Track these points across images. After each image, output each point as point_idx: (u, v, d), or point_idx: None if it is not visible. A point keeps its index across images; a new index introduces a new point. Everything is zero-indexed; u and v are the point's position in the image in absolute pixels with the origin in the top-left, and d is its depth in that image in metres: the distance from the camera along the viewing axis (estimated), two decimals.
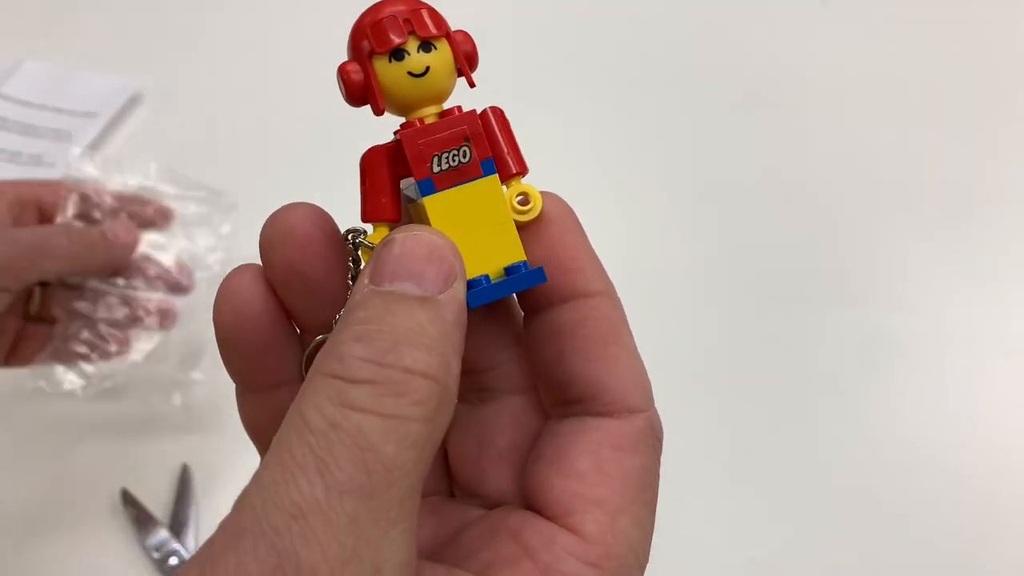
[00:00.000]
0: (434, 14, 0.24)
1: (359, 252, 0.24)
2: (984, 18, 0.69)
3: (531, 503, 0.23)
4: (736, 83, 0.65)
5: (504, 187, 0.24)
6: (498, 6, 0.67)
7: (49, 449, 0.48)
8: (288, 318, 0.24)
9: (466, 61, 0.24)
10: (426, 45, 0.24)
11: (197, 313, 0.49)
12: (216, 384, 0.50)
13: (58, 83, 0.66)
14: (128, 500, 0.44)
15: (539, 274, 0.24)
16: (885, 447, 0.46)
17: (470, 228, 0.24)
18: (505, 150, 0.25)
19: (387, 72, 0.24)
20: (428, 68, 0.23)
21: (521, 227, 0.24)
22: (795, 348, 0.51)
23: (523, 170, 0.25)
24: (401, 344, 0.19)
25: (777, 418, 0.48)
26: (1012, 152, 0.60)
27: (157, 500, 0.45)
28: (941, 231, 0.56)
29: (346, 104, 0.24)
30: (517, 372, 0.26)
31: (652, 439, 0.24)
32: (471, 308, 0.22)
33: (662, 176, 0.60)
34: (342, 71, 0.24)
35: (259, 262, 0.24)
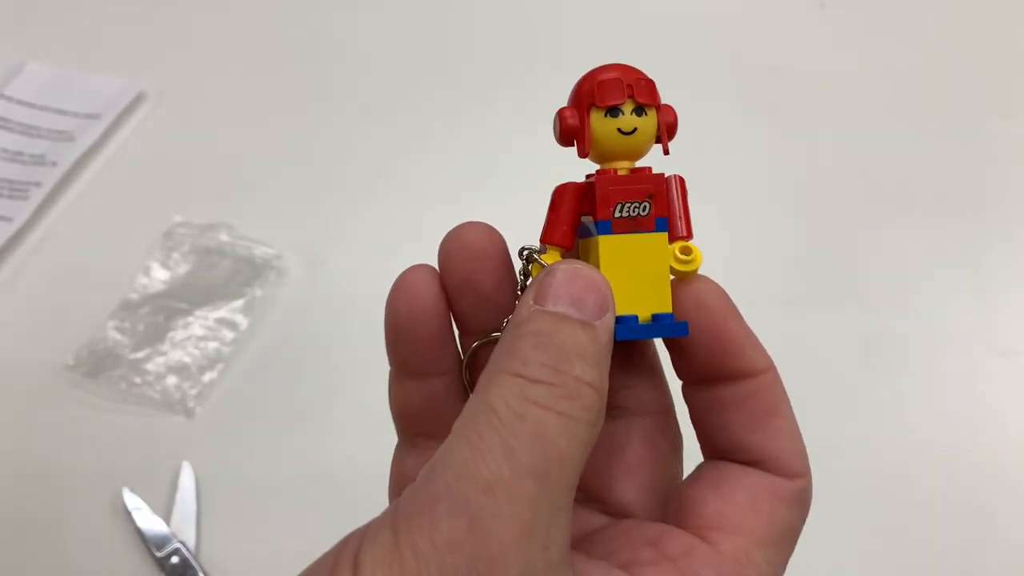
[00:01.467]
0: (652, 86, 0.28)
1: (530, 267, 0.27)
2: (984, 18, 0.69)
3: (678, 514, 0.25)
4: (735, 83, 0.66)
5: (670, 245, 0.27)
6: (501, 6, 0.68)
7: (49, 448, 0.48)
8: (451, 318, 0.27)
9: (667, 130, 0.28)
10: (639, 109, 0.27)
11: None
12: (218, 384, 0.51)
13: (61, 84, 0.66)
14: (129, 498, 0.45)
15: (683, 328, 0.26)
16: (885, 447, 0.46)
17: (631, 272, 0.26)
18: (679, 214, 0.28)
19: (601, 124, 0.27)
20: (636, 129, 0.27)
21: (678, 279, 0.27)
22: (795, 348, 0.51)
23: (689, 235, 0.28)
24: (572, 355, 0.22)
25: None
26: (1012, 152, 0.60)
27: (158, 498, 0.45)
28: (941, 231, 0.56)
29: (556, 143, 0.28)
30: (649, 396, 0.28)
31: (805, 502, 0.26)
32: (617, 340, 0.24)
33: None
34: (561, 114, 0.27)
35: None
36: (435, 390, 0.27)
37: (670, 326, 0.26)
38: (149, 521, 0.44)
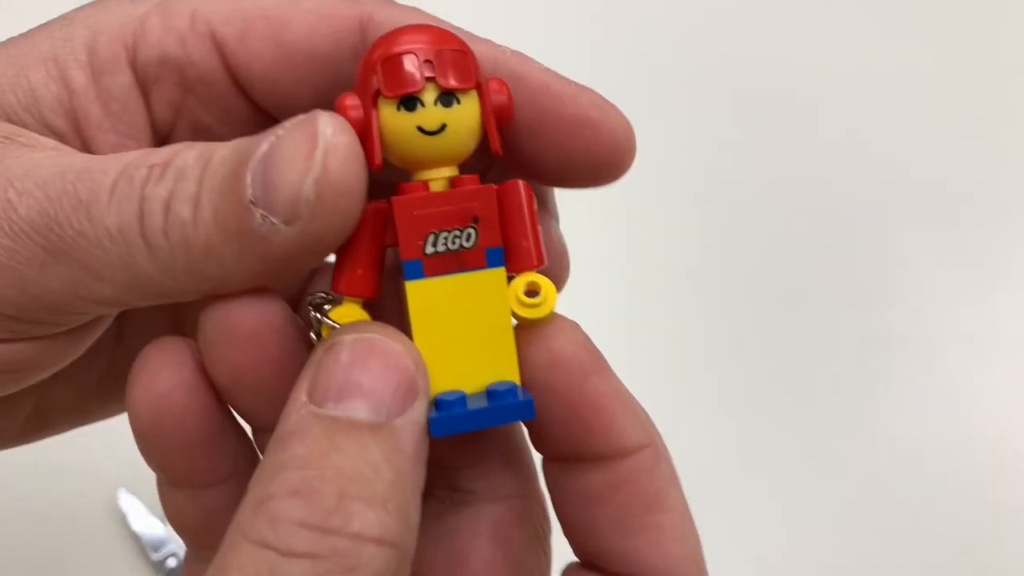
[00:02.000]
0: (465, 58, 0.20)
1: (318, 327, 0.20)
2: (987, 17, 0.69)
3: None
4: (735, 81, 0.65)
5: (510, 279, 0.20)
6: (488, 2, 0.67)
7: (47, 448, 0.48)
8: (225, 413, 0.21)
9: (497, 117, 0.20)
10: (447, 97, 0.19)
11: None
12: None
13: None
14: (125, 500, 0.44)
15: (527, 408, 0.19)
16: (887, 448, 0.46)
17: (457, 329, 0.20)
18: (523, 237, 0.20)
19: (393, 121, 0.19)
20: (444, 126, 0.19)
21: (526, 328, 0.20)
22: (796, 348, 0.51)
23: (539, 263, 0.20)
24: (349, 498, 0.16)
25: (777, 419, 0.48)
26: (1014, 151, 0.60)
27: (155, 500, 0.44)
28: (943, 231, 0.56)
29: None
30: (503, 475, 0.22)
31: None
32: (433, 436, 0.18)
33: (660, 174, 0.60)
34: (339, 106, 0.20)
35: None
36: (213, 502, 0.21)
37: (511, 407, 0.19)
38: (145, 524, 0.43)
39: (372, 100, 0.19)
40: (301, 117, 0.19)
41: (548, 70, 0.22)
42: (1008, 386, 0.48)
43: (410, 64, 0.19)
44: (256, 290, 0.20)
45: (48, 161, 0.20)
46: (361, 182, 0.19)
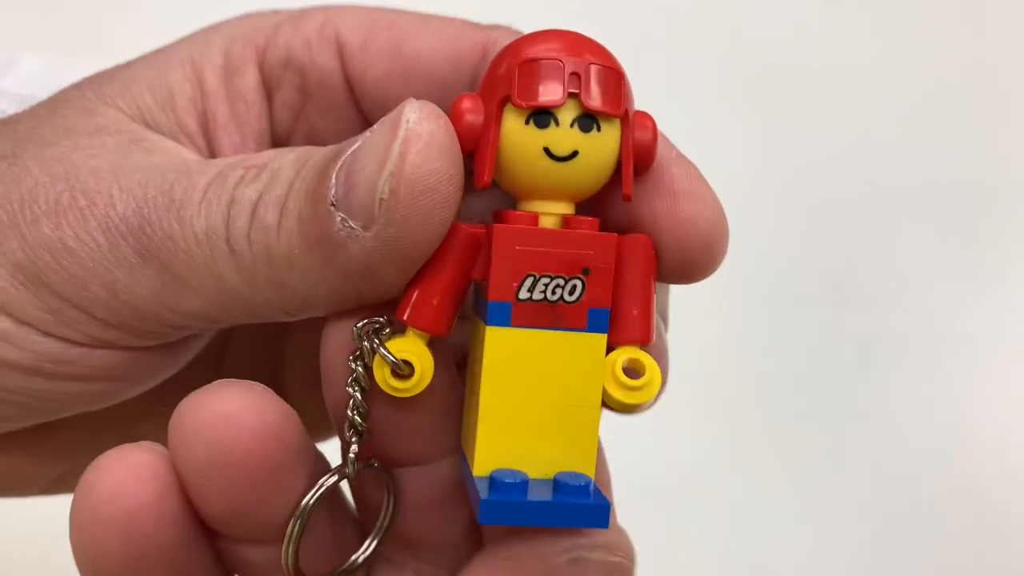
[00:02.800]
0: (618, 79, 0.17)
1: (369, 358, 0.17)
2: (991, 16, 0.69)
3: None
4: (735, 79, 0.65)
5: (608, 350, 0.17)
6: None
7: None
8: (198, 521, 0.19)
9: (637, 157, 0.17)
10: (586, 121, 0.16)
11: None
12: None
13: (55, 79, 0.65)
14: None
15: (601, 514, 0.16)
16: (888, 449, 0.46)
17: (534, 396, 0.16)
18: (634, 304, 0.17)
19: (517, 136, 0.16)
20: (576, 153, 0.16)
21: (619, 413, 0.17)
22: (797, 348, 0.50)
23: (646, 339, 0.17)
24: None
25: (778, 420, 0.48)
26: (1017, 151, 0.60)
27: None
28: (945, 230, 0.55)
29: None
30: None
31: None
32: (480, 523, 0.16)
33: None
34: (454, 108, 0.17)
35: None
36: None
37: (581, 509, 0.16)
38: None
39: (498, 106, 0.17)
40: (393, 111, 0.17)
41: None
42: (1010, 386, 0.48)
43: (553, 73, 0.16)
44: (252, 392, 0.18)
45: (159, 161, 0.20)
46: (448, 180, 0.16)
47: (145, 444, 0.18)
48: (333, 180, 0.17)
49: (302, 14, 0.23)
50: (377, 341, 0.17)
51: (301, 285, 0.18)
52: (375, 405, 0.18)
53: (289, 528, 0.19)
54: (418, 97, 0.18)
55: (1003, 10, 0.69)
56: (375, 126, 0.17)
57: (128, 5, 0.73)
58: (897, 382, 0.49)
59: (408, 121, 0.16)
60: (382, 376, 0.17)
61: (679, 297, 0.53)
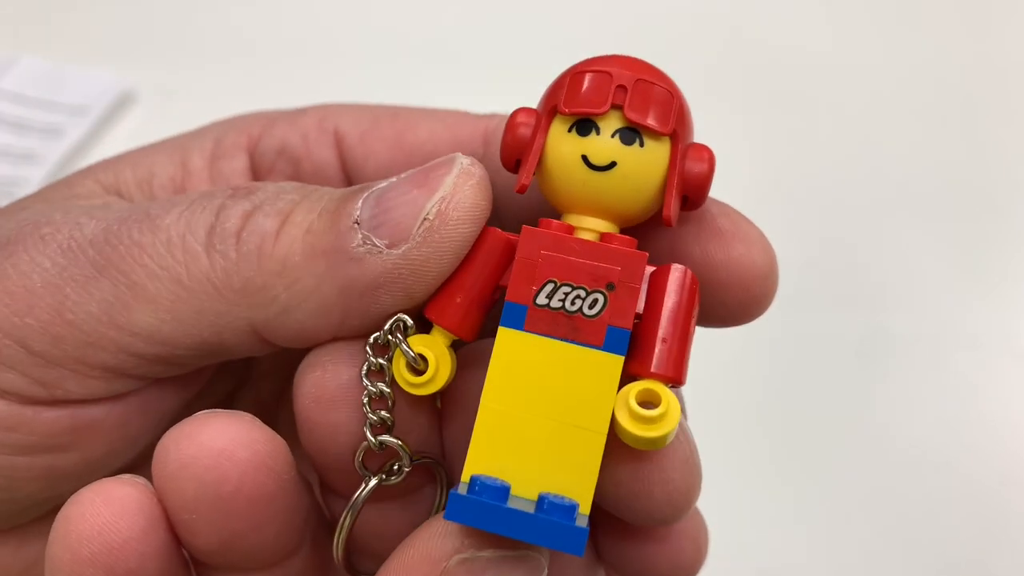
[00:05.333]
0: (668, 98, 0.17)
1: (391, 353, 0.18)
2: (993, 15, 0.69)
3: None
4: (736, 79, 0.65)
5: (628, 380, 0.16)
6: None
7: None
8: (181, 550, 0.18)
9: (687, 188, 0.17)
10: (629, 133, 0.16)
11: None
12: None
13: (54, 79, 0.65)
14: None
15: (577, 538, 0.14)
16: (890, 452, 0.46)
17: (537, 408, 0.15)
18: (662, 336, 0.16)
19: (559, 143, 0.16)
20: (614, 164, 0.16)
21: (629, 446, 0.16)
22: (799, 349, 0.50)
23: (676, 379, 0.17)
24: None
25: (778, 420, 0.47)
26: (1020, 151, 0.59)
27: None
28: (947, 229, 0.55)
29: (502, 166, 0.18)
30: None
31: None
32: (445, 518, 0.15)
33: None
34: (511, 118, 0.17)
35: None
36: None
37: (556, 528, 0.14)
38: None
39: (547, 116, 0.17)
40: (438, 159, 0.18)
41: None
42: (1015, 388, 0.48)
43: (600, 84, 0.16)
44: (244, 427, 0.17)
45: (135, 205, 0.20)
46: (482, 221, 0.18)
47: (127, 477, 0.18)
48: (359, 204, 0.18)
49: (301, 110, 0.23)
50: (400, 336, 0.17)
51: (285, 293, 0.18)
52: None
53: (340, 521, 0.19)
54: None
55: (1005, 10, 0.69)
56: (405, 173, 0.18)
57: (128, 5, 0.72)
58: (900, 383, 0.49)
59: (462, 164, 0.17)
60: (398, 369, 0.18)
61: None
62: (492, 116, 0.23)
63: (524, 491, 0.15)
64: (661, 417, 0.16)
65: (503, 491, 0.15)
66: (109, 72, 0.65)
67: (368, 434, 0.18)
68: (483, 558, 0.16)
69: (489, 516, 0.15)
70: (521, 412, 0.16)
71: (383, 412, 0.18)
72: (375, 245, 0.17)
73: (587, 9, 0.70)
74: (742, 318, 0.20)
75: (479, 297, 0.17)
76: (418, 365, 0.17)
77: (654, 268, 0.17)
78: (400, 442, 0.18)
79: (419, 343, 0.17)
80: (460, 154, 0.18)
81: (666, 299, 0.16)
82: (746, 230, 0.20)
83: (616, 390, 0.16)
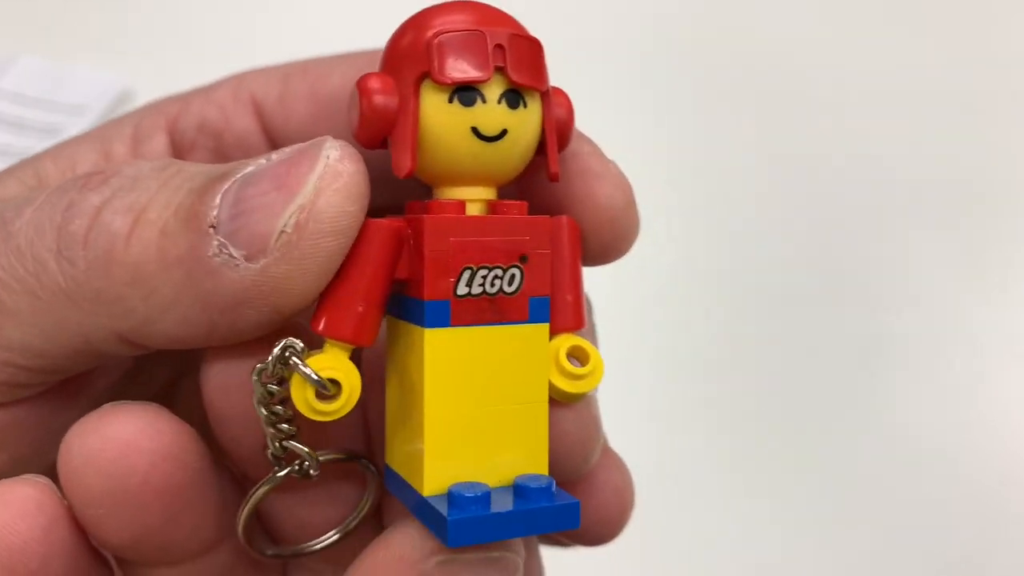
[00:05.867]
0: (539, 51, 0.16)
1: (287, 378, 0.16)
2: (994, 15, 0.69)
3: None
4: (737, 79, 0.65)
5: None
6: None
7: None
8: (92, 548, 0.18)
9: (560, 138, 0.16)
10: (514, 96, 0.15)
11: None
12: None
13: (53, 79, 0.65)
14: None
15: (571, 514, 0.15)
16: (891, 452, 0.46)
17: (481, 398, 0.15)
18: (566, 289, 0.16)
19: (440, 116, 0.15)
20: (504, 132, 0.15)
21: (560, 405, 0.16)
22: (800, 348, 0.50)
23: (579, 325, 0.17)
24: None
25: (779, 421, 0.47)
26: (1019, 149, 0.59)
27: None
28: (950, 230, 0.55)
29: (353, 137, 0.16)
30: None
31: None
32: (451, 547, 0.15)
33: (659, 172, 0.59)
34: (363, 87, 0.15)
35: None
36: None
37: (549, 512, 0.15)
38: None
39: (414, 85, 0.15)
40: (306, 143, 0.16)
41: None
42: (1015, 387, 0.48)
43: (476, 45, 0.15)
44: (145, 413, 0.16)
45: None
46: (355, 227, 0.15)
47: (27, 477, 0.17)
48: (218, 200, 0.15)
49: (216, 84, 0.22)
50: (295, 360, 0.16)
51: (142, 306, 0.16)
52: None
53: (245, 500, 0.18)
54: (339, 130, 0.18)
55: (1004, 9, 0.69)
56: (276, 153, 0.16)
57: (128, 5, 0.72)
58: (899, 382, 0.49)
59: (328, 157, 0.15)
60: (303, 399, 0.16)
61: (681, 297, 0.53)
62: None
63: (496, 483, 0.15)
64: (588, 374, 0.16)
65: (485, 498, 0.15)
66: (108, 72, 0.65)
67: (270, 443, 0.17)
68: (461, 560, 0.16)
69: (487, 529, 0.14)
70: (466, 408, 0.15)
71: (284, 426, 0.17)
72: (232, 256, 0.15)
73: None
74: (612, 255, 0.19)
75: (377, 300, 0.16)
76: (329, 391, 0.16)
77: (548, 221, 0.16)
78: (307, 449, 0.17)
79: (322, 365, 0.15)
80: (330, 140, 0.16)
81: (559, 254, 0.16)
82: (603, 168, 0.19)
83: (547, 356, 0.16)
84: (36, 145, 0.60)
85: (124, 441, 0.16)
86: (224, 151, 0.22)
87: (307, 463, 0.17)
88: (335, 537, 0.19)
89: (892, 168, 0.59)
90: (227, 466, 0.19)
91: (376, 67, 0.17)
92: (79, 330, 0.17)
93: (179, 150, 0.22)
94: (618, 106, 0.64)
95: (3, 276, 0.16)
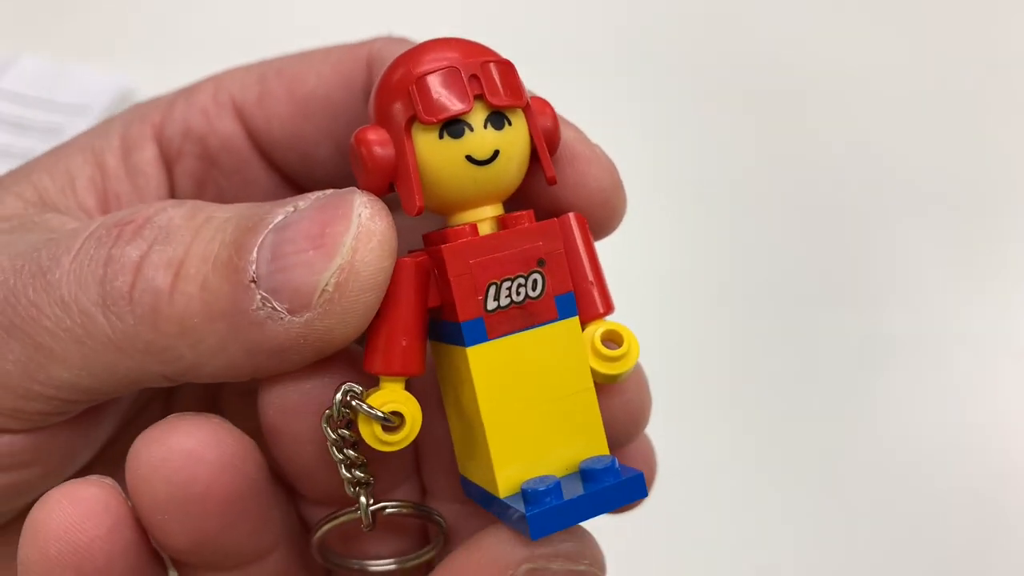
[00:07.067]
0: (512, 71, 0.17)
1: (353, 418, 0.17)
2: (993, 15, 0.69)
3: None
4: (737, 80, 0.65)
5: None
6: None
7: None
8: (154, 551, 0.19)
9: (549, 144, 0.17)
10: (497, 118, 0.16)
11: None
12: None
13: (54, 78, 0.65)
14: None
15: (638, 485, 0.16)
16: (892, 452, 0.46)
17: (532, 397, 0.16)
18: (589, 279, 0.17)
19: (435, 153, 0.16)
20: (497, 153, 0.16)
21: (605, 389, 0.17)
22: (799, 348, 0.50)
23: (609, 310, 0.18)
24: None
25: (779, 421, 0.47)
26: (1018, 149, 0.59)
27: None
28: (947, 229, 0.55)
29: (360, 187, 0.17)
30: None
31: None
32: (534, 539, 0.16)
33: (659, 174, 0.59)
34: (361, 142, 0.17)
35: None
36: None
37: (618, 488, 0.16)
38: None
39: (405, 130, 0.16)
40: (331, 192, 0.17)
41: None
42: (1014, 387, 0.48)
43: (452, 81, 0.16)
44: (210, 427, 0.17)
45: (36, 237, 0.19)
46: (390, 275, 0.16)
47: (93, 478, 0.18)
48: (254, 254, 0.16)
49: (194, 87, 0.23)
50: (357, 401, 0.17)
51: (190, 353, 0.17)
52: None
53: (317, 524, 0.19)
54: (321, 129, 0.20)
55: (1004, 9, 0.69)
56: (305, 204, 0.17)
57: (128, 5, 0.72)
58: (899, 382, 0.49)
59: (360, 216, 0.16)
60: (371, 434, 0.17)
61: (682, 297, 0.53)
62: (373, 39, 0.22)
63: (562, 470, 0.16)
64: (625, 355, 0.17)
65: (556, 488, 0.16)
66: (109, 72, 0.65)
67: (347, 487, 0.18)
68: (551, 569, 0.16)
69: (563, 516, 0.16)
70: (520, 410, 0.16)
71: (359, 473, 0.18)
72: (275, 309, 0.16)
73: None
74: (603, 233, 0.20)
75: (418, 331, 0.17)
76: (393, 423, 0.17)
77: (554, 223, 0.18)
78: (376, 505, 0.18)
79: (382, 400, 0.17)
80: (358, 196, 0.16)
81: (577, 248, 0.17)
82: (590, 152, 0.20)
83: (582, 346, 0.17)
84: (37, 146, 0.60)
85: (187, 451, 0.17)
86: (211, 155, 0.22)
87: (369, 519, 0.18)
88: (392, 567, 0.20)
89: (892, 168, 0.59)
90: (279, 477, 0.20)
91: (346, 64, 0.19)
92: (127, 373, 0.17)
93: (168, 157, 0.22)
94: (618, 106, 0.64)
95: (50, 326, 0.17)
